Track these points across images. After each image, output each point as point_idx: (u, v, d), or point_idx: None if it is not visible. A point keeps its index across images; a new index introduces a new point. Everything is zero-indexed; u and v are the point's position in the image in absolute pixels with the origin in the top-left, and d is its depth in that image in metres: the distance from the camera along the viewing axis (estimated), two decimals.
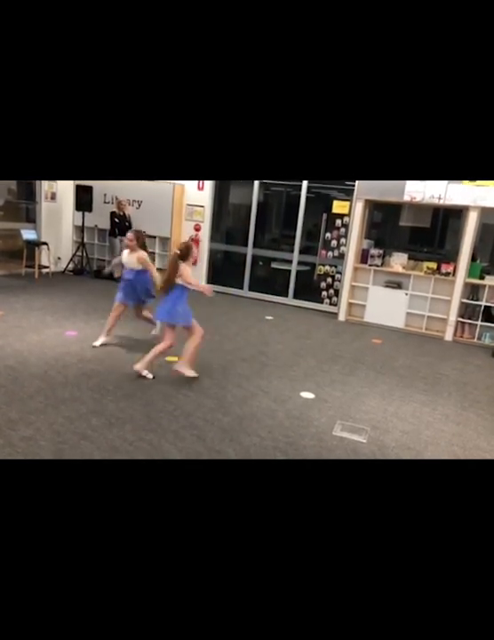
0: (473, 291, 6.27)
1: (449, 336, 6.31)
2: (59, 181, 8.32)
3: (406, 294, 6.52)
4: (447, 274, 6.31)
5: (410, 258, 6.65)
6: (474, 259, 6.21)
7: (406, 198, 6.31)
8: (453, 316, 6.27)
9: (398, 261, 6.63)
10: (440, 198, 6.13)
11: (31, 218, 8.27)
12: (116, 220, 7.80)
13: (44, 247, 7.95)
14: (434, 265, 6.41)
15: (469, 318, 6.27)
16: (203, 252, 8.15)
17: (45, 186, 8.15)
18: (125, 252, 4.44)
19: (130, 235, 4.42)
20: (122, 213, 7.82)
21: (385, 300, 6.62)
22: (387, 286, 6.64)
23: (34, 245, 7.77)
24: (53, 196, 8.35)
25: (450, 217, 7.28)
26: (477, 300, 6.22)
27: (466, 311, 6.30)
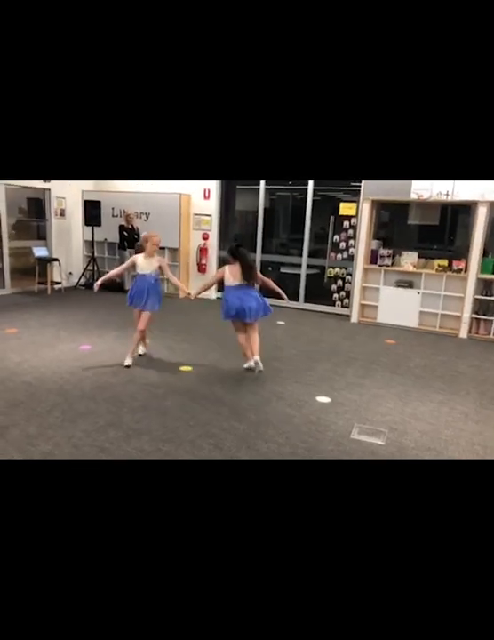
0: (486, 286, 6.19)
1: (464, 333, 6.23)
2: (67, 197, 8.44)
3: (418, 293, 6.46)
4: (459, 270, 6.25)
5: (420, 256, 6.59)
6: (485, 254, 6.14)
7: (413, 196, 6.28)
8: (467, 313, 6.19)
9: (408, 260, 6.58)
10: (447, 195, 6.09)
11: (42, 235, 8.40)
12: (125, 232, 7.88)
13: (56, 263, 8.06)
14: (445, 262, 6.35)
15: (484, 314, 6.19)
16: (212, 261, 8.19)
17: (55, 203, 8.28)
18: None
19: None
20: (130, 226, 7.90)
21: (397, 300, 6.57)
22: (399, 286, 6.59)
23: (45, 262, 7.88)
24: (63, 213, 8.47)
25: (460, 213, 7.21)
26: (491, 295, 6.13)
27: (481, 307, 6.22)
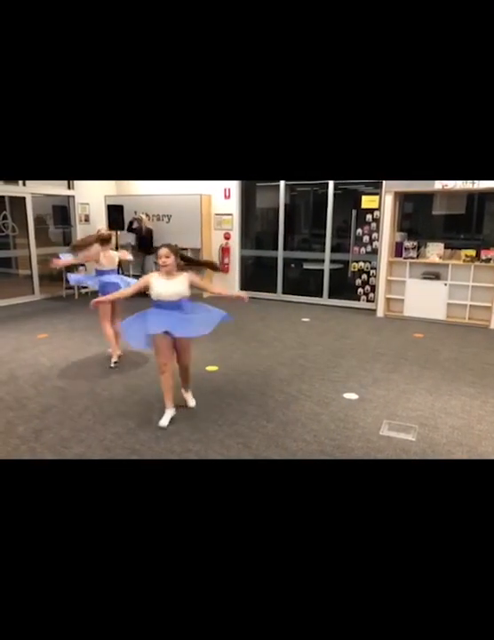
0: None
1: None
2: (90, 203, 8.60)
3: (445, 285, 6.32)
4: (487, 260, 6.08)
5: (446, 247, 6.45)
6: None
7: (437, 186, 6.14)
8: None
9: (434, 251, 6.45)
10: (473, 183, 5.93)
11: (68, 241, 8.58)
12: (135, 233, 8.00)
13: (82, 268, 8.22)
14: (472, 252, 6.19)
15: None
16: (234, 259, 8.20)
17: (79, 209, 8.44)
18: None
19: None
20: (142, 228, 8.00)
21: (423, 293, 6.45)
22: (425, 278, 6.46)
23: (72, 267, 8.03)
24: (87, 218, 8.63)
25: (487, 200, 7.01)
26: None
27: None
